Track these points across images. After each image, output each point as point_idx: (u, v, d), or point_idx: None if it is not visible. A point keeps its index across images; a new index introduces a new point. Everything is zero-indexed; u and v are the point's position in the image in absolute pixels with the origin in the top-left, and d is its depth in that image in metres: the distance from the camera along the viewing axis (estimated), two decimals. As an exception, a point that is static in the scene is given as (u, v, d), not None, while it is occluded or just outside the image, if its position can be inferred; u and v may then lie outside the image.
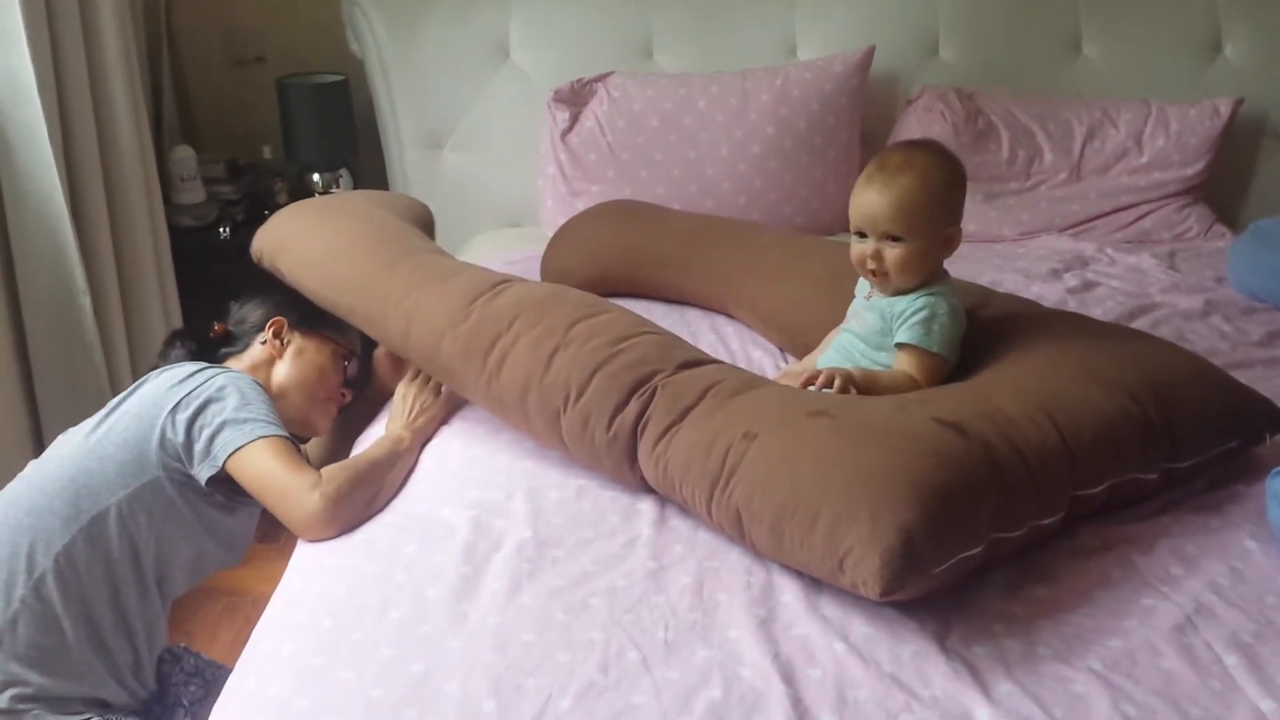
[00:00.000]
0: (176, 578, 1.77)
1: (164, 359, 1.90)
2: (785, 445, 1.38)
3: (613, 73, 2.84)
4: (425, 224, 2.20)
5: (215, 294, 2.75)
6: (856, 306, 1.70)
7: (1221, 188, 3.00)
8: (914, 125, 2.87)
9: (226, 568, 1.90)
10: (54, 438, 1.79)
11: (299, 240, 1.99)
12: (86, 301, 2.45)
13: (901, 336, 1.58)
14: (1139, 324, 2.23)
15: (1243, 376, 1.91)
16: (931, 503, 1.27)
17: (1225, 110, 2.88)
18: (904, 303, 1.59)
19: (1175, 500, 1.55)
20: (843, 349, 1.71)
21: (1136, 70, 3.03)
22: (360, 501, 1.60)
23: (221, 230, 2.87)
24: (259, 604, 1.50)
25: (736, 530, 1.40)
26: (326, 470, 1.61)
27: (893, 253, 1.56)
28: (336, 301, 1.89)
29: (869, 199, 1.56)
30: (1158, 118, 2.89)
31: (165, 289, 2.74)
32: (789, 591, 1.35)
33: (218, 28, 3.16)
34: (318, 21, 3.12)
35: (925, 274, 1.59)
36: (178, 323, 2.78)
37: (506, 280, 1.80)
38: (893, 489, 1.27)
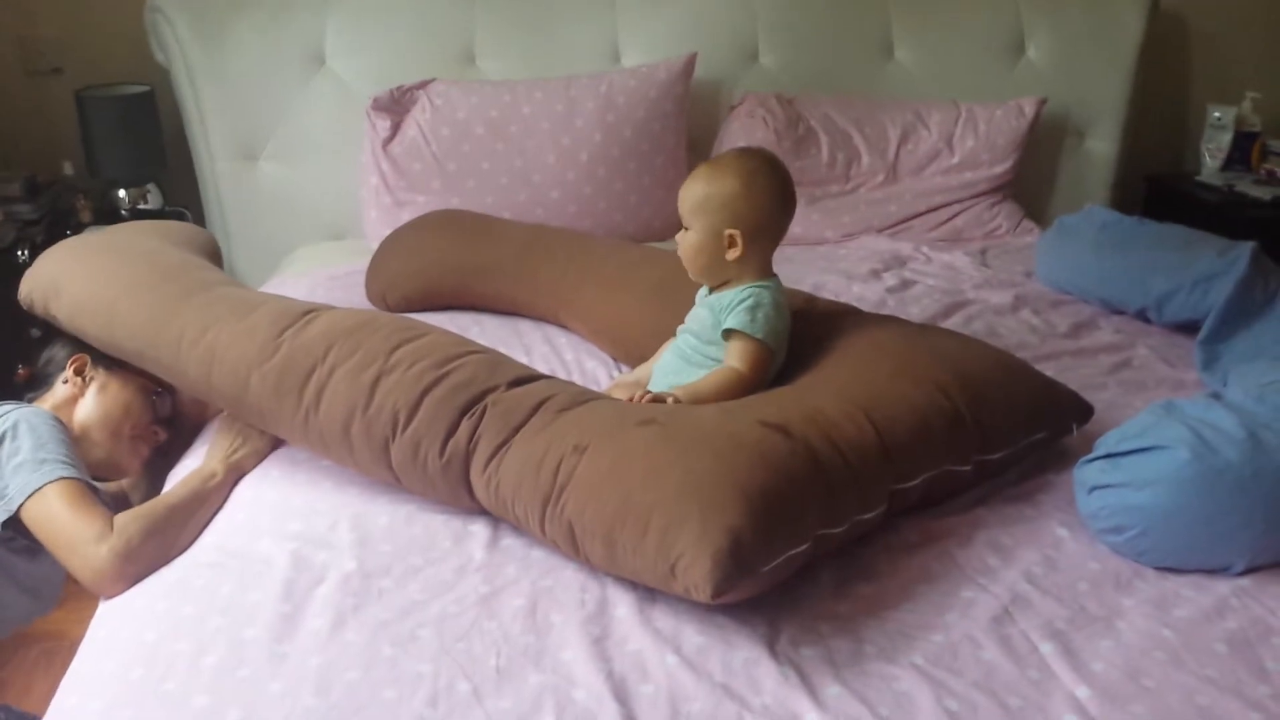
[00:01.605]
0: (-25, 632, 1.65)
1: None
2: (615, 456, 1.37)
3: (434, 80, 2.78)
4: (212, 254, 2.09)
5: (15, 320, 2.61)
6: (695, 307, 1.72)
7: (1028, 185, 3.15)
8: (737, 131, 2.92)
9: (35, 618, 1.78)
10: None
11: (73, 282, 1.86)
12: None
13: (728, 322, 1.62)
14: (953, 320, 2.32)
15: (1052, 367, 2.02)
16: (758, 503, 1.28)
17: (1030, 110, 3.02)
18: (730, 294, 1.65)
19: (990, 492, 1.61)
20: (678, 350, 1.73)
21: (946, 73, 3.15)
22: (154, 552, 1.51)
23: (20, 253, 2.69)
24: (76, 649, 1.41)
25: (570, 545, 1.39)
26: (119, 519, 1.52)
27: (683, 240, 1.67)
28: (123, 347, 1.77)
29: (680, 189, 1.69)
30: (967, 119, 3.01)
31: (-43, 317, 2.56)
32: (623, 605, 1.34)
33: (10, 37, 2.96)
34: (119, 30, 2.95)
35: (707, 268, 1.67)
36: (-27, 353, 2.60)
37: (313, 310, 1.72)
38: (720, 492, 1.28)
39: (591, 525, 1.33)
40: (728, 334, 1.63)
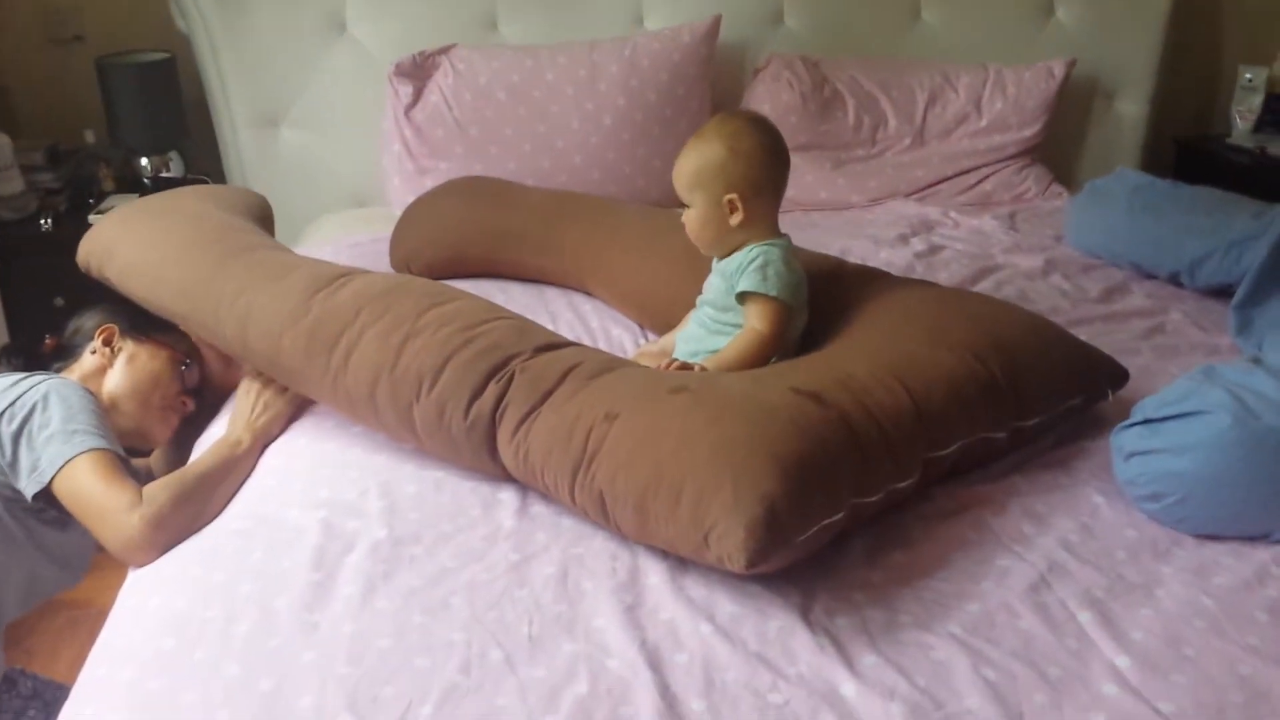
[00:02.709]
0: (7, 601, 1.65)
1: None
2: (647, 424, 1.36)
3: (456, 45, 2.75)
4: (263, 218, 2.10)
5: (41, 288, 2.62)
6: (710, 276, 1.70)
7: (1057, 148, 3.10)
8: (762, 94, 2.88)
9: (64, 589, 1.79)
10: None
11: (125, 245, 1.88)
12: (-109, 304, 2.27)
13: (741, 285, 1.61)
14: (983, 285, 2.29)
15: (1084, 333, 1.99)
16: (792, 471, 1.26)
17: (1059, 72, 2.97)
18: (738, 257, 1.64)
19: (1025, 459, 1.59)
20: (699, 320, 1.71)
21: (974, 34, 3.09)
22: (184, 520, 1.51)
23: (43, 221, 2.69)
24: (103, 617, 1.41)
25: (601, 514, 1.38)
26: (148, 489, 1.51)
27: (686, 217, 1.66)
28: (167, 307, 1.79)
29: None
30: (995, 81, 2.96)
31: (-17, 287, 2.56)
32: (655, 574, 1.33)
33: (32, 5, 2.95)
34: (139, -3, 2.94)
35: (714, 238, 1.65)
36: (-1, 322, 2.61)
37: (347, 273, 1.73)
38: (754, 460, 1.26)
39: (623, 494, 1.32)
40: (742, 297, 1.62)
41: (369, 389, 1.57)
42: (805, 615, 1.25)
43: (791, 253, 1.66)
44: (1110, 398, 1.69)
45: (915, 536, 1.40)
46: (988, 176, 2.92)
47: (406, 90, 2.69)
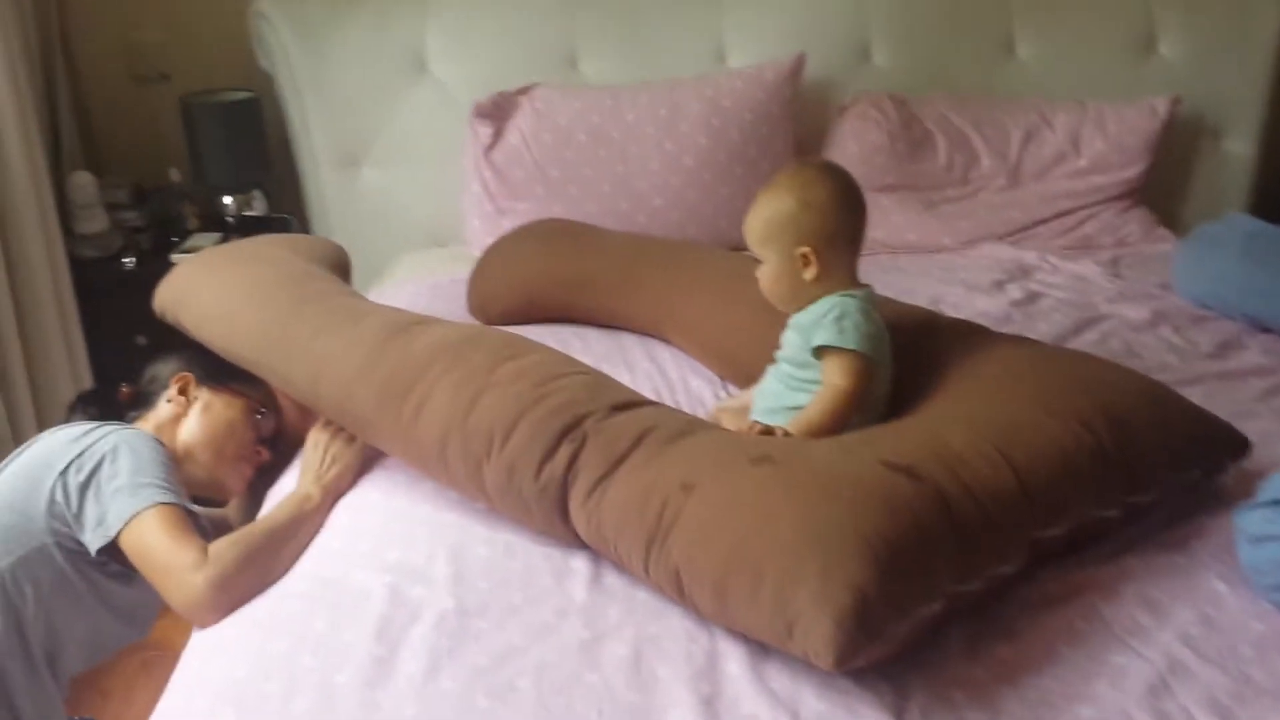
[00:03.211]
0: (71, 656, 1.63)
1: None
2: (726, 497, 1.28)
3: (536, 85, 2.71)
4: (339, 266, 2.07)
5: (124, 326, 2.63)
6: (786, 330, 1.63)
7: (1161, 190, 2.95)
8: (848, 133, 2.79)
9: (131, 642, 1.76)
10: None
11: (200, 292, 1.87)
12: (-22, 343, 2.29)
13: (818, 339, 1.53)
14: (1086, 337, 2.17)
15: (1196, 392, 1.86)
16: (884, 557, 1.17)
17: (1163, 109, 2.83)
18: (813, 311, 1.57)
19: (1138, 536, 1.47)
20: (778, 376, 1.63)
21: (1071, 70, 2.97)
22: (251, 580, 1.46)
23: (126, 260, 2.70)
24: (178, 659, 1.39)
25: (676, 591, 1.30)
26: (214, 547, 1.47)
27: (760, 273, 1.60)
28: (241, 354, 1.76)
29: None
30: (1094, 119, 2.83)
31: (68, 325, 2.57)
32: (735, 660, 1.24)
33: (119, 44, 2.98)
34: (225, 36, 2.95)
35: (788, 294, 1.59)
36: (82, 361, 2.62)
37: (422, 321, 1.68)
38: (842, 544, 1.17)
39: (700, 572, 1.24)
40: (820, 352, 1.53)
41: (439, 444, 1.51)
42: (899, 715, 1.15)
43: (871, 303, 1.57)
44: (1230, 470, 1.56)
45: (1020, 627, 1.29)
46: (1087, 219, 2.80)
47: (486, 131, 2.66)
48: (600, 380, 1.57)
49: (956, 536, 1.25)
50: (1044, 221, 2.78)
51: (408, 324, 1.67)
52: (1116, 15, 3.00)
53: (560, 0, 2.87)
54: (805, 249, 1.54)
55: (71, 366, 2.54)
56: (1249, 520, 1.36)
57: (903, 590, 1.16)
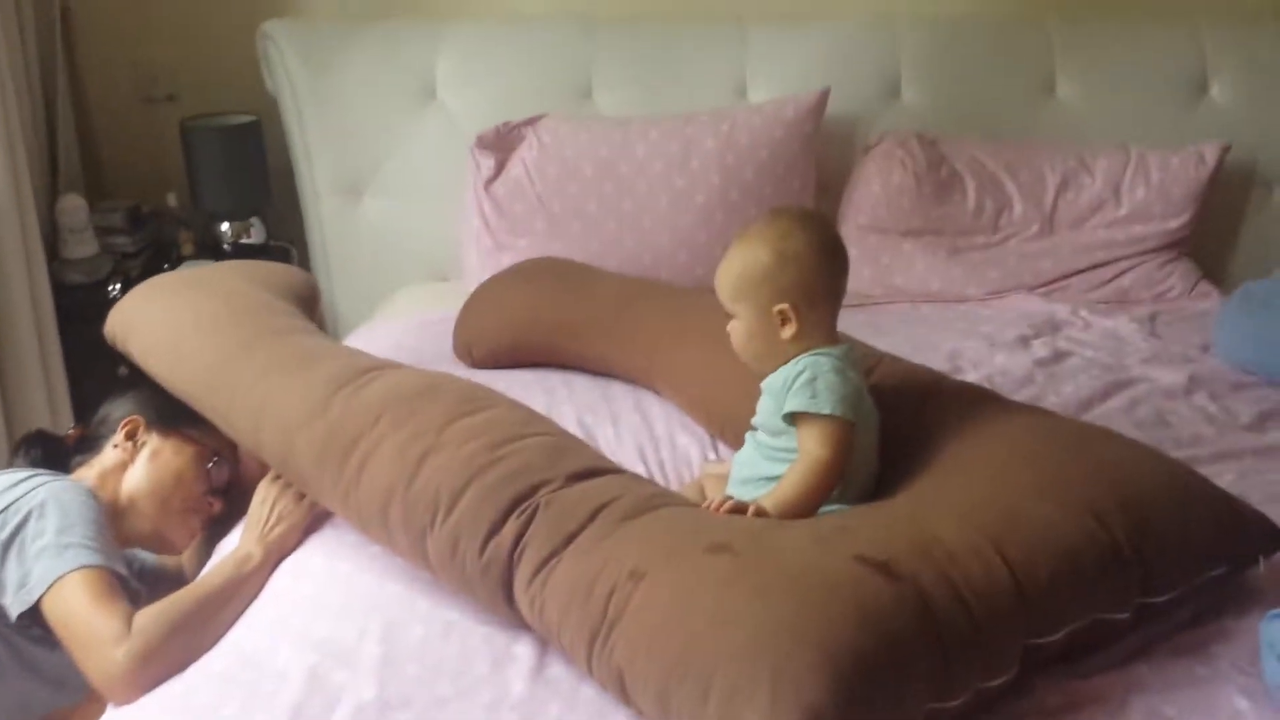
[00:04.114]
0: (-9, 726, 1.51)
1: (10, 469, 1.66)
2: (677, 589, 1.13)
3: (544, 116, 2.60)
4: (305, 298, 1.96)
5: (105, 356, 2.53)
6: (761, 396, 1.48)
7: (1206, 242, 2.78)
8: (872, 173, 2.65)
9: (63, 707, 1.64)
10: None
11: (149, 320, 1.78)
12: (-50, 370, 2.20)
13: (789, 405, 1.39)
14: (1115, 401, 2.01)
15: (1230, 469, 1.71)
16: (848, 672, 1.02)
17: (1211, 157, 2.66)
18: (783, 373, 1.43)
19: (1151, 639, 1.30)
20: (755, 443, 1.50)
21: (1115, 113, 2.81)
22: (177, 653, 1.35)
23: (111, 287, 2.61)
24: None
25: (620, 692, 1.15)
26: (139, 619, 1.36)
27: (731, 329, 1.47)
28: (184, 391, 1.67)
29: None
30: (1138, 165, 2.66)
31: (47, 355, 2.49)
32: (682, 773, 1.10)
33: (125, 63, 2.91)
34: (233, 57, 2.87)
35: (763, 353, 1.46)
36: (61, 390, 2.53)
37: (378, 368, 1.56)
38: (799, 655, 1.02)
39: (644, 675, 1.10)
40: (794, 418, 1.39)
41: (382, 509, 1.39)
42: None
43: (847, 360, 1.43)
44: (1262, 565, 1.39)
45: (1008, 747, 1.14)
46: (1126, 271, 2.62)
47: (488, 163, 2.54)
48: (561, 443, 1.43)
49: (938, 646, 1.09)
50: (1078, 273, 2.61)
51: (361, 370, 1.55)
52: (1166, 54, 2.84)
53: (578, 28, 2.78)
54: (783, 305, 1.40)
55: (50, 397, 2.45)
56: (1276, 631, 1.20)
57: (867, 714, 1.01)
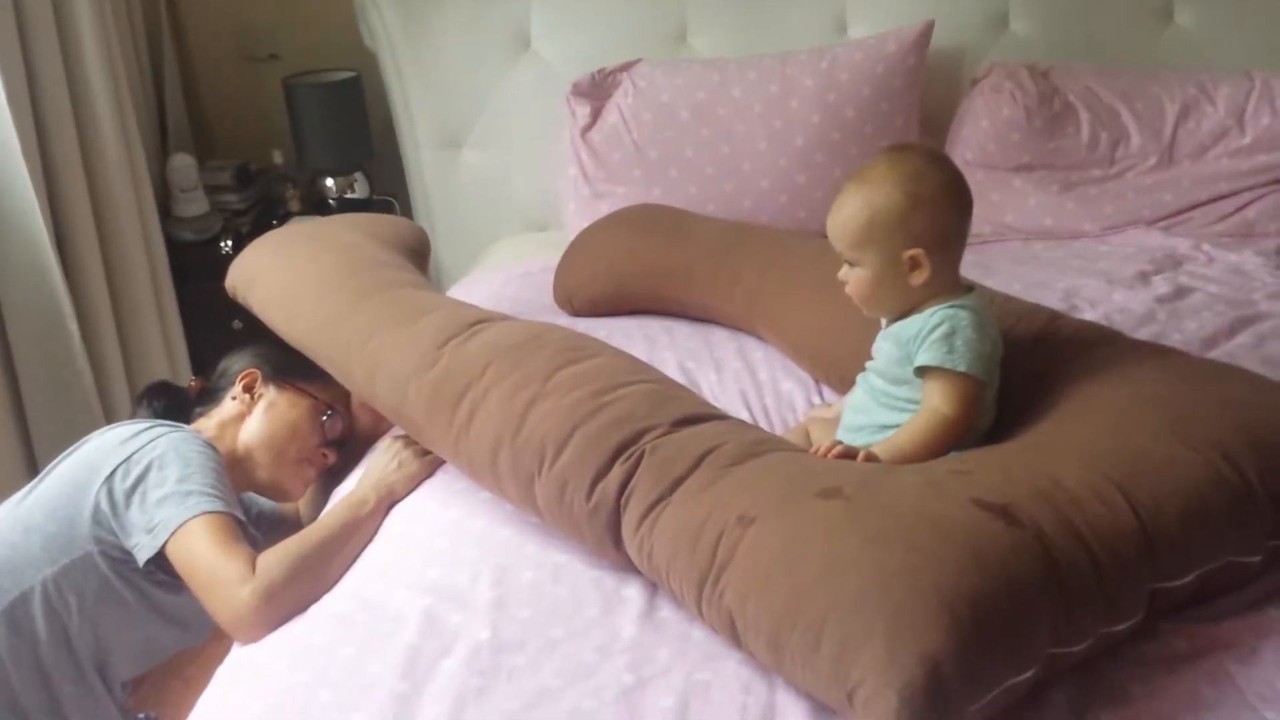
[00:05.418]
0: (123, 664, 1.58)
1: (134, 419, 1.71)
2: (787, 535, 1.12)
3: (639, 61, 2.57)
4: (417, 250, 1.98)
5: (221, 311, 2.60)
6: (878, 338, 1.43)
7: (1339, 170, 2.62)
8: (980, 108, 2.56)
9: (189, 646, 1.71)
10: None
11: (268, 274, 1.81)
12: (74, 328, 2.29)
13: (921, 359, 1.33)
14: (1240, 339, 1.91)
15: (1370, 409, 1.60)
16: (966, 620, 0.99)
17: (1342, 81, 2.51)
18: (918, 321, 1.36)
19: (1283, 584, 1.25)
20: (869, 389, 1.45)
21: (1237, 38, 2.67)
22: (300, 592, 1.38)
23: (223, 244, 2.67)
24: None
25: (731, 635, 1.15)
26: (263, 559, 1.40)
27: (851, 278, 1.40)
28: (302, 343, 1.70)
29: (828, 218, 1.40)
30: (1262, 92, 2.52)
31: (164, 310, 2.57)
32: (794, 716, 1.09)
33: (230, 24, 2.97)
34: (332, 14, 2.90)
35: (890, 302, 1.39)
36: (179, 345, 2.61)
37: (485, 319, 1.57)
38: (916, 602, 1.00)
39: (755, 620, 1.09)
40: (922, 371, 1.34)
41: (490, 456, 1.40)
42: (981, 799, 0.98)
43: (984, 313, 1.37)
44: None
45: (1134, 692, 1.10)
46: (1250, 203, 2.49)
47: (584, 111, 2.53)
48: (665, 390, 1.42)
49: (1059, 591, 1.06)
50: (1200, 205, 2.49)
51: (469, 322, 1.56)
52: (1292, -28, 2.68)
53: (671, -29, 2.73)
54: (916, 252, 1.34)
55: (168, 350, 2.54)
56: None
57: (987, 660, 0.99)
